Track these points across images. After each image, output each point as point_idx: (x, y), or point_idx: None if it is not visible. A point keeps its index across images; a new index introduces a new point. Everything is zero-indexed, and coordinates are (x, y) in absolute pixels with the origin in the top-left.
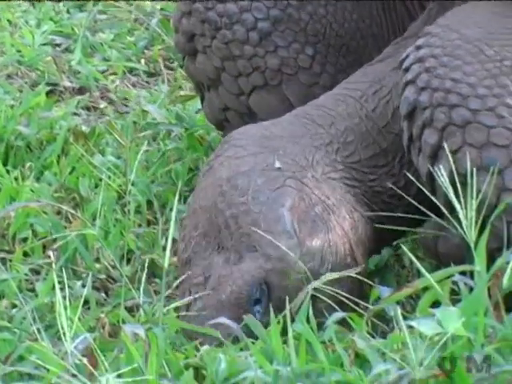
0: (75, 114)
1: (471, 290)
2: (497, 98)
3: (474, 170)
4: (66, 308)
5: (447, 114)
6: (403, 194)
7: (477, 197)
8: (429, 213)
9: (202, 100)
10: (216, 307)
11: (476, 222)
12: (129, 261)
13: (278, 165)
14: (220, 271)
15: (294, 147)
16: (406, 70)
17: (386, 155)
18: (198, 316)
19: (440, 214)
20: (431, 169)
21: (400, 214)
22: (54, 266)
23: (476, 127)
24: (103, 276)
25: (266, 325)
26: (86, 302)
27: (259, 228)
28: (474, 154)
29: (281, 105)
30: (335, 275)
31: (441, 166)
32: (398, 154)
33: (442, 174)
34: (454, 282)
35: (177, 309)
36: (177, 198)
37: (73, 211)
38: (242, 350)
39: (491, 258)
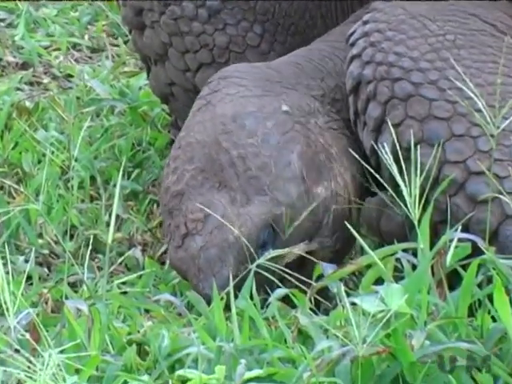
0: (18, 89)
1: (414, 267)
2: (438, 72)
3: (418, 146)
4: (8, 283)
5: (390, 87)
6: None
7: (418, 171)
8: (375, 188)
9: (148, 73)
10: (221, 247)
11: (420, 198)
12: (72, 236)
13: (285, 108)
14: (224, 211)
15: (293, 94)
16: (352, 44)
17: None
18: (200, 253)
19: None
20: (374, 144)
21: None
22: None
23: (418, 100)
24: (46, 251)
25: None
26: (29, 277)
27: (269, 172)
28: (415, 127)
29: None
30: (280, 252)
31: (384, 143)
32: None
33: (386, 152)
34: (398, 260)
35: (121, 284)
36: (120, 173)
37: (16, 186)
38: (185, 326)
39: (434, 231)
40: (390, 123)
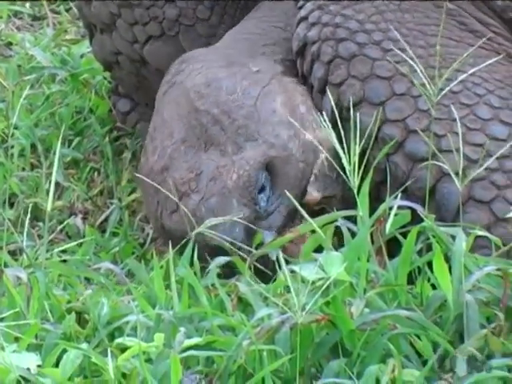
0: None
1: (354, 235)
2: (382, 33)
3: (360, 106)
4: None
5: (334, 47)
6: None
7: (358, 138)
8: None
9: (91, 39)
10: (221, 194)
11: (362, 158)
12: (12, 205)
13: (256, 68)
14: (217, 163)
15: (258, 60)
16: (301, 7)
17: None
18: (200, 205)
19: None
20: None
21: None
22: None
23: (361, 60)
24: None
25: (270, 213)
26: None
27: (257, 119)
28: (357, 86)
29: (175, 55)
30: (219, 219)
31: (327, 104)
32: None
33: (324, 119)
34: (338, 227)
35: (61, 252)
36: (60, 141)
37: None
38: (124, 294)
39: (376, 193)
40: (331, 82)
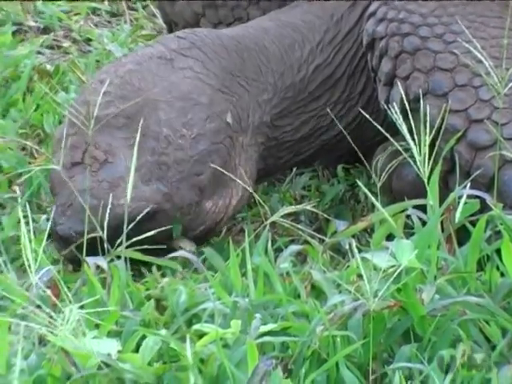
0: (39, 52)
1: (424, 223)
2: (445, 26)
3: (425, 98)
4: (30, 241)
5: (400, 42)
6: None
7: (428, 129)
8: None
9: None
10: (104, 204)
11: (430, 149)
12: None
13: (229, 119)
14: (126, 169)
15: (244, 97)
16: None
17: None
18: (82, 194)
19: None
20: (382, 103)
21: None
22: (19, 200)
23: (424, 53)
24: None
25: None
26: (51, 235)
27: (181, 171)
28: (421, 79)
29: None
30: (292, 208)
31: (394, 97)
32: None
33: (395, 111)
34: (408, 216)
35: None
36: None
37: (37, 147)
38: (201, 282)
39: (445, 182)
40: (399, 76)
